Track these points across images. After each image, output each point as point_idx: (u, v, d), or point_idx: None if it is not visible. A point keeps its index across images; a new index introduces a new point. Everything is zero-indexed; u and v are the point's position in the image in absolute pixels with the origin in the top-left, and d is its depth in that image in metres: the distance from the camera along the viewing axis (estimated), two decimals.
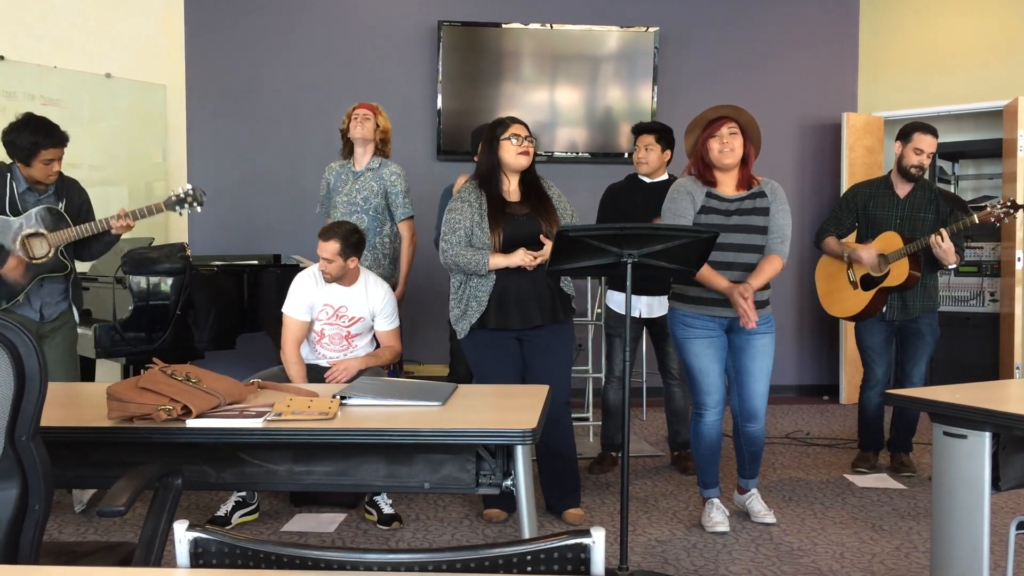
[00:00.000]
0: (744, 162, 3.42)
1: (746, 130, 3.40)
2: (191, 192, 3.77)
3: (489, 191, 3.49)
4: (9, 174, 3.54)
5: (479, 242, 3.43)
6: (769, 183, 3.49)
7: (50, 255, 3.55)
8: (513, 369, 3.51)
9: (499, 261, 3.39)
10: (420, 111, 6.17)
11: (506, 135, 3.48)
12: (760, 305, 3.39)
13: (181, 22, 5.91)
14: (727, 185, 3.44)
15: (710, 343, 3.42)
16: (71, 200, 3.66)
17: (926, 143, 4.18)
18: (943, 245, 3.97)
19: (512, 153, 3.47)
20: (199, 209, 3.80)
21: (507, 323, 3.45)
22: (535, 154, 3.57)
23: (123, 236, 3.76)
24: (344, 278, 3.64)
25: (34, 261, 3.52)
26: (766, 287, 3.43)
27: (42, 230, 3.54)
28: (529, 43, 6.18)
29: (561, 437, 3.60)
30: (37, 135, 3.45)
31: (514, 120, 3.55)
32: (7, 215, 3.51)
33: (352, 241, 3.59)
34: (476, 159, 4.05)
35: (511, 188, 3.53)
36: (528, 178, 3.54)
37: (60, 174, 3.65)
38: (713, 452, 3.55)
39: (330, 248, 3.55)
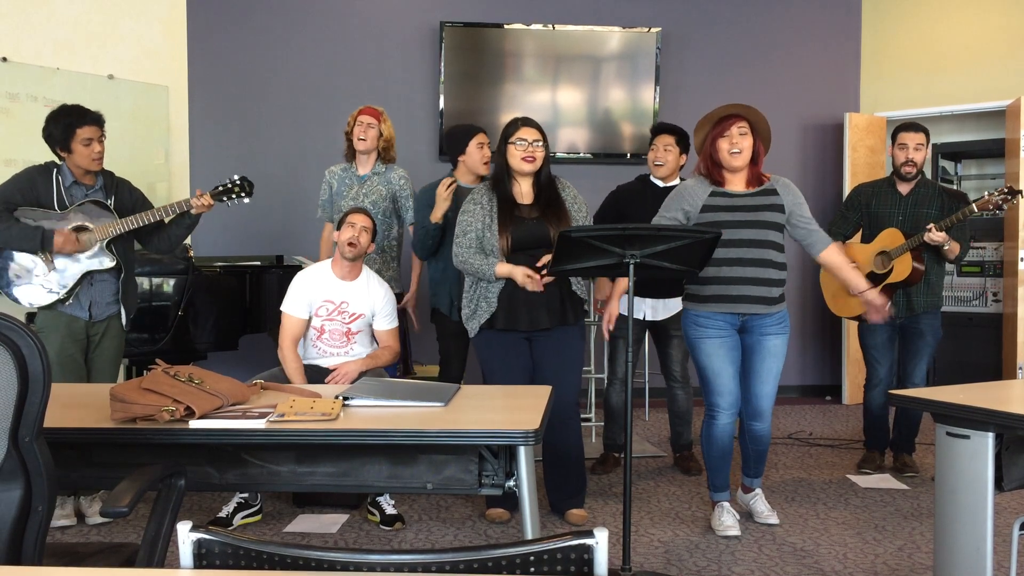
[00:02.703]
0: (754, 160, 3.41)
1: (756, 128, 3.39)
2: (238, 182, 3.70)
3: (500, 193, 3.46)
4: (55, 170, 3.55)
5: (488, 245, 3.40)
6: (779, 180, 3.49)
7: (96, 248, 3.54)
8: (522, 370, 3.49)
9: (504, 271, 3.36)
10: (422, 112, 6.17)
11: (512, 138, 3.44)
12: (774, 302, 3.40)
13: (183, 24, 5.91)
14: (736, 183, 3.43)
15: (723, 343, 3.41)
16: (121, 197, 3.64)
17: (908, 139, 4.21)
18: (935, 238, 3.97)
19: (516, 158, 3.43)
20: (246, 200, 3.73)
21: (515, 325, 3.44)
22: (547, 155, 3.49)
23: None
24: (350, 270, 3.64)
25: (81, 254, 3.51)
26: (783, 283, 3.44)
27: (88, 223, 3.53)
28: (531, 44, 6.18)
29: (569, 439, 3.60)
30: (70, 116, 3.47)
31: (525, 123, 3.47)
32: (55, 210, 3.51)
33: (375, 224, 3.73)
34: (461, 159, 4.06)
35: (523, 190, 3.48)
36: (541, 180, 3.49)
37: (111, 174, 3.65)
38: (724, 455, 3.53)
39: (363, 219, 3.62)
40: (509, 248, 3.38)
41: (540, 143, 3.44)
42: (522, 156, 3.41)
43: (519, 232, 3.38)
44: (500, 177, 3.48)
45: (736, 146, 3.35)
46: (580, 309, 3.58)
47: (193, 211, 3.62)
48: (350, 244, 3.58)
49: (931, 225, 3.98)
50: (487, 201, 3.46)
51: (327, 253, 4.29)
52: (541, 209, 3.45)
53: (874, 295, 3.49)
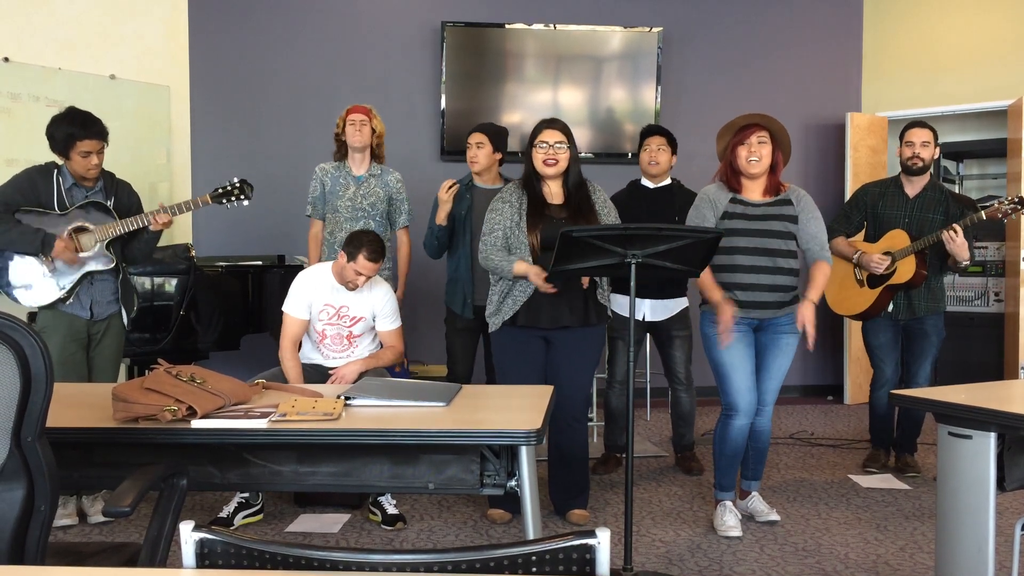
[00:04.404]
0: (772, 169, 3.45)
1: (776, 138, 3.44)
2: (237, 185, 3.71)
3: (530, 193, 3.47)
4: (56, 171, 3.56)
5: (517, 242, 3.41)
6: (796, 190, 3.53)
7: (96, 249, 3.54)
8: (536, 370, 3.49)
9: (520, 269, 3.36)
10: (424, 112, 6.17)
11: (536, 141, 3.45)
12: (790, 303, 3.44)
13: (185, 24, 5.92)
14: (754, 191, 3.47)
15: (740, 338, 3.42)
16: (120, 199, 3.65)
17: (915, 135, 4.21)
18: (957, 240, 3.95)
19: (539, 160, 3.44)
20: (246, 203, 3.74)
21: (536, 322, 3.43)
22: (574, 156, 3.48)
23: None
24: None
25: (80, 255, 3.51)
26: (795, 287, 3.47)
27: (88, 224, 3.54)
28: (532, 44, 6.18)
29: (575, 439, 3.61)
30: (73, 126, 3.45)
31: (548, 125, 3.47)
32: (55, 211, 3.51)
33: (384, 251, 3.56)
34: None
35: (552, 191, 3.49)
36: (570, 181, 3.50)
37: (112, 176, 3.67)
38: (737, 455, 3.54)
39: (372, 267, 3.49)
40: (539, 247, 3.38)
41: (563, 145, 3.44)
42: (543, 159, 3.43)
43: (548, 231, 3.36)
44: (529, 178, 3.49)
45: (755, 154, 3.38)
46: (604, 313, 3.57)
47: (151, 227, 3.59)
48: (355, 284, 3.54)
49: (956, 226, 3.94)
50: (516, 199, 3.47)
51: (316, 250, 4.28)
52: (572, 210, 3.46)
53: (809, 316, 3.34)
